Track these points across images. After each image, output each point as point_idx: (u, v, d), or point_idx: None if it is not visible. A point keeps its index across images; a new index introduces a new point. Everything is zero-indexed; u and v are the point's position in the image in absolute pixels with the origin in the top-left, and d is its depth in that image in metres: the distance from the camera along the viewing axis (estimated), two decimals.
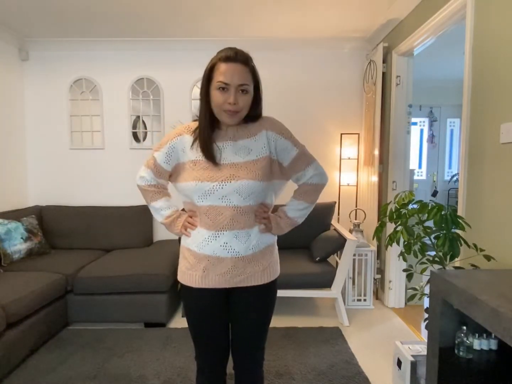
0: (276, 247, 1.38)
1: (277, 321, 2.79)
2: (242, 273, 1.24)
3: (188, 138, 1.25)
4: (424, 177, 5.66)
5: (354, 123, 3.60)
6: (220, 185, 1.18)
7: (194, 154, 1.23)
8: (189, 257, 1.28)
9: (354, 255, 3.05)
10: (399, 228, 1.70)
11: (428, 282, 1.48)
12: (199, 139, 1.22)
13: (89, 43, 3.48)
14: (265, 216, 1.28)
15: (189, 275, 1.27)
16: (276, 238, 1.38)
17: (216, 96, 1.15)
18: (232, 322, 1.34)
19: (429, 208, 1.64)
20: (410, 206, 1.73)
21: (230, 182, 1.18)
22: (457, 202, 2.05)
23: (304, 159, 1.29)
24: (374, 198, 3.22)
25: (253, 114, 1.24)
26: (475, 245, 1.63)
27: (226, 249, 1.22)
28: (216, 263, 1.23)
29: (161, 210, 1.35)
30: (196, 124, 1.26)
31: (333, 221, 3.35)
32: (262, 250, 1.28)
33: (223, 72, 1.13)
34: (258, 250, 1.27)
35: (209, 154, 1.20)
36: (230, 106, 1.14)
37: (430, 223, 1.68)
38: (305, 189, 1.33)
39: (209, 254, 1.23)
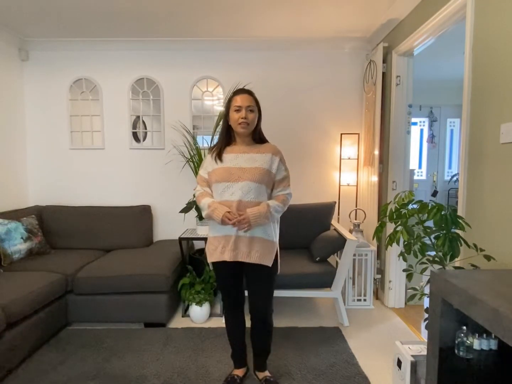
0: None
1: (277, 321, 2.80)
2: None
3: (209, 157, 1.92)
4: (424, 177, 5.66)
5: (354, 123, 3.60)
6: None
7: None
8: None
9: (354, 255, 3.06)
10: (399, 228, 1.70)
11: (428, 282, 1.48)
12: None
13: (89, 43, 3.49)
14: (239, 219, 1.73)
15: None
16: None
17: (234, 115, 1.80)
18: None
19: (429, 208, 1.64)
20: (410, 206, 1.73)
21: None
22: (457, 202, 2.05)
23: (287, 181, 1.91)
24: (374, 198, 3.22)
25: (258, 128, 1.89)
26: (475, 245, 1.63)
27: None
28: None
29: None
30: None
31: (333, 221, 3.35)
32: None
33: (237, 100, 1.80)
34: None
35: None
36: (243, 119, 1.78)
37: (430, 223, 1.68)
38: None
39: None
